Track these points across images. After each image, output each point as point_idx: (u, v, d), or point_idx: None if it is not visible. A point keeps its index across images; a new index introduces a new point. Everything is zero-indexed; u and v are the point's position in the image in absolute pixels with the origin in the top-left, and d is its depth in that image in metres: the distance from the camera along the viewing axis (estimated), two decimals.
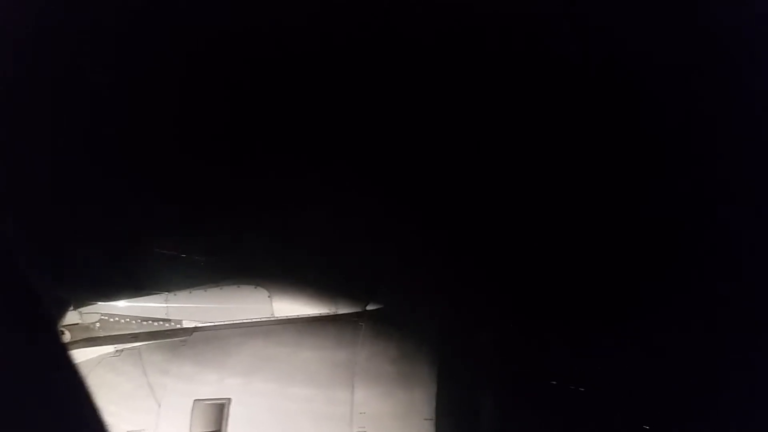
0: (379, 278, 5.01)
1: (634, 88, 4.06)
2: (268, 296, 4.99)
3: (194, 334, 5.11)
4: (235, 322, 5.05)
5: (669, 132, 4.16)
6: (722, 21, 3.69)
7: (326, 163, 4.76)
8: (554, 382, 4.59)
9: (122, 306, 5.30)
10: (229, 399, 4.71)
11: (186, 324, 5.19)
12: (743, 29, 3.69)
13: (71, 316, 5.30)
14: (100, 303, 5.32)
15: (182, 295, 5.16)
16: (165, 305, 5.18)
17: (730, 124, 4.00)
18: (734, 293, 4.15)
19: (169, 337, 5.17)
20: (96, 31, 3.78)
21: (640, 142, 4.26)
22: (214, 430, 4.71)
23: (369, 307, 4.89)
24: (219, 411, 4.71)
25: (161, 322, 5.22)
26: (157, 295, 5.19)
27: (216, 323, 5.10)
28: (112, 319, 5.32)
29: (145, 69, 4.18)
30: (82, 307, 5.33)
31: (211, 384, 4.80)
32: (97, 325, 5.36)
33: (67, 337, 5.34)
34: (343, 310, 4.90)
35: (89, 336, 5.36)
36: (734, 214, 4.16)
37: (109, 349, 5.27)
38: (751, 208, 4.07)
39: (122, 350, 5.23)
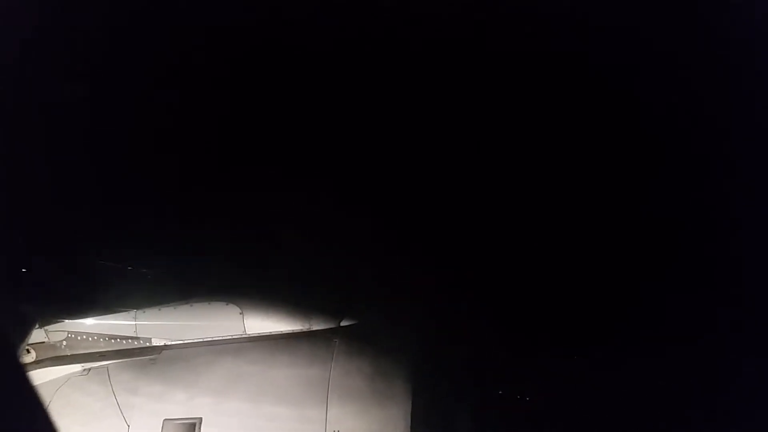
0: (354, 294, 4.96)
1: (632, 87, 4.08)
2: (240, 313, 4.90)
3: (163, 352, 5.00)
4: (205, 339, 4.95)
5: (667, 132, 4.18)
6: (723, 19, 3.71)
7: (300, 178, 4.72)
8: (529, 398, 4.59)
9: (90, 324, 5.18)
10: (200, 418, 4.60)
11: (155, 342, 5.07)
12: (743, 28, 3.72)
13: (37, 335, 5.15)
14: (66, 321, 5.18)
15: (151, 312, 5.05)
16: (133, 323, 5.06)
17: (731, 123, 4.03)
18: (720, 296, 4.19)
19: (137, 355, 5.05)
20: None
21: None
22: None
23: (343, 323, 4.83)
24: (190, 431, 4.60)
25: (130, 341, 5.11)
26: (126, 313, 5.08)
27: (186, 341, 5.00)
28: (79, 338, 5.19)
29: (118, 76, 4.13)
30: (49, 325, 5.19)
31: (181, 403, 4.69)
32: (64, 343, 5.22)
33: (32, 356, 5.19)
34: (317, 326, 4.84)
35: (56, 355, 5.22)
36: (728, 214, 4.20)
37: (77, 368, 5.14)
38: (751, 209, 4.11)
39: (90, 369, 5.10)
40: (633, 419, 4.35)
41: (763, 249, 4.14)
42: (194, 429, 4.58)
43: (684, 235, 4.43)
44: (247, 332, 4.89)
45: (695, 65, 3.96)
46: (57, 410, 4.87)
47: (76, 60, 3.99)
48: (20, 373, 2.46)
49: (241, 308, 4.91)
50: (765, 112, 3.96)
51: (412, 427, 4.33)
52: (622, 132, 4.30)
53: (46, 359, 5.21)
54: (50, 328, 5.22)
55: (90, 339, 5.18)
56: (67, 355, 5.22)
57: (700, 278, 4.41)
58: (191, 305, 5.00)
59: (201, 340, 4.96)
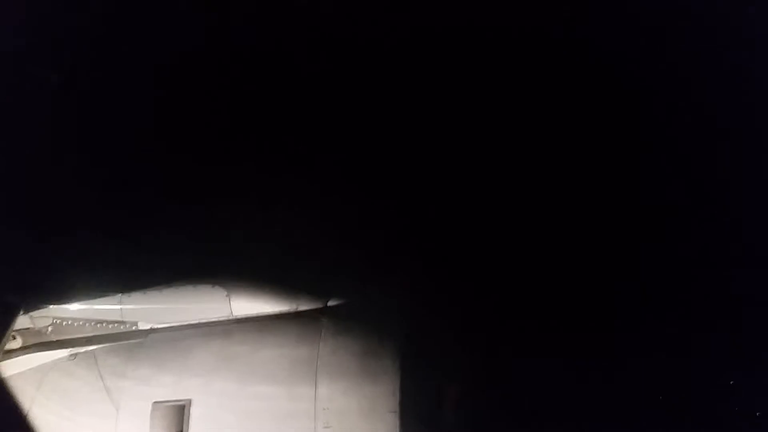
0: (341, 273, 4.97)
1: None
2: (226, 295, 4.89)
3: (150, 335, 4.98)
4: (192, 322, 4.94)
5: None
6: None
7: (288, 159, 4.70)
8: (520, 376, 4.64)
9: (75, 309, 5.14)
10: (189, 400, 4.61)
11: (142, 325, 5.05)
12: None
13: (22, 321, 5.11)
14: (52, 306, 5.14)
15: (137, 296, 5.02)
16: (119, 307, 5.03)
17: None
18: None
19: (124, 339, 5.03)
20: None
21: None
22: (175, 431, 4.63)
23: (330, 303, 4.84)
24: (179, 413, 4.62)
25: (116, 325, 5.08)
26: (111, 297, 5.04)
27: (173, 324, 4.98)
28: (65, 323, 5.15)
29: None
30: (34, 311, 5.14)
31: (170, 386, 4.70)
32: (50, 329, 5.18)
33: (18, 342, 5.16)
34: (304, 306, 4.84)
35: (42, 341, 5.18)
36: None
37: (63, 353, 5.11)
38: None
39: (77, 354, 5.07)
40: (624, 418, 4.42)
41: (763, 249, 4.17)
42: (183, 411, 4.60)
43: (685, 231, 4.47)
44: (234, 314, 4.89)
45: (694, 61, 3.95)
46: (45, 396, 4.86)
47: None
48: None
49: (227, 290, 4.90)
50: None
51: (400, 404, 4.36)
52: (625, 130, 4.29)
53: (33, 345, 5.17)
54: (35, 314, 5.16)
55: (76, 324, 5.15)
56: (54, 341, 5.19)
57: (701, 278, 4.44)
58: (177, 288, 4.98)
59: (188, 322, 4.95)
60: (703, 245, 4.38)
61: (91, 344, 5.08)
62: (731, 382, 4.26)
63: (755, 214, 4.16)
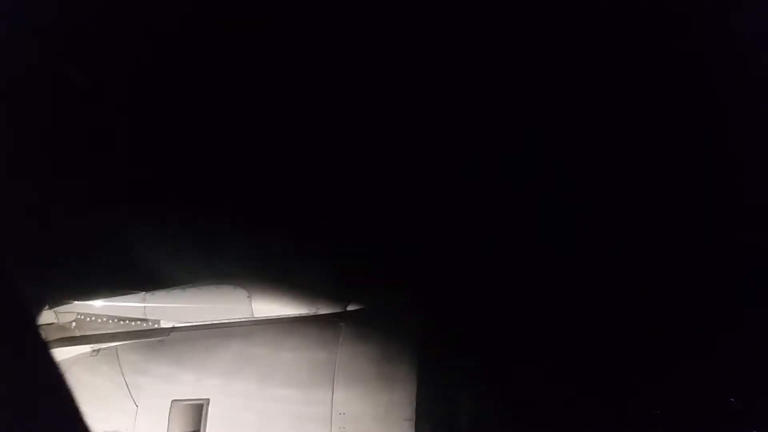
0: (361, 279, 4.99)
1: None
2: (248, 296, 4.95)
3: (172, 334, 5.06)
4: (213, 322, 5.00)
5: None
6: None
7: (306, 164, 4.73)
8: (534, 383, 4.62)
9: (99, 306, 5.23)
10: (207, 399, 4.67)
11: (164, 324, 5.13)
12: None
13: (47, 316, 5.20)
14: (76, 302, 5.23)
15: (160, 294, 5.10)
16: (142, 305, 5.11)
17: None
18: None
19: (146, 337, 5.11)
20: None
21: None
22: (192, 430, 4.67)
23: (350, 308, 4.87)
24: (197, 411, 4.67)
25: (139, 322, 5.16)
26: (135, 295, 5.13)
27: (194, 323, 5.05)
28: (88, 319, 5.24)
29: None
30: (58, 306, 5.24)
31: (189, 384, 4.76)
32: (74, 324, 5.27)
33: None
34: (324, 310, 4.88)
35: (65, 335, 5.27)
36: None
37: (86, 348, 5.20)
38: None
39: (99, 350, 5.16)
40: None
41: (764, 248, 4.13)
42: (202, 410, 4.64)
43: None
44: (255, 315, 4.94)
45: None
46: (69, 390, 4.93)
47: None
48: (45, 351, 2.52)
49: (248, 292, 4.96)
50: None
51: (416, 411, 4.37)
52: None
53: (56, 340, 5.26)
54: (60, 309, 5.27)
55: (99, 320, 5.24)
56: (77, 336, 5.28)
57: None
58: (200, 288, 5.05)
59: (209, 322, 5.02)
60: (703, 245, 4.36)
61: (113, 341, 5.17)
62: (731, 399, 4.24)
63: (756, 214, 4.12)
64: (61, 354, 5.19)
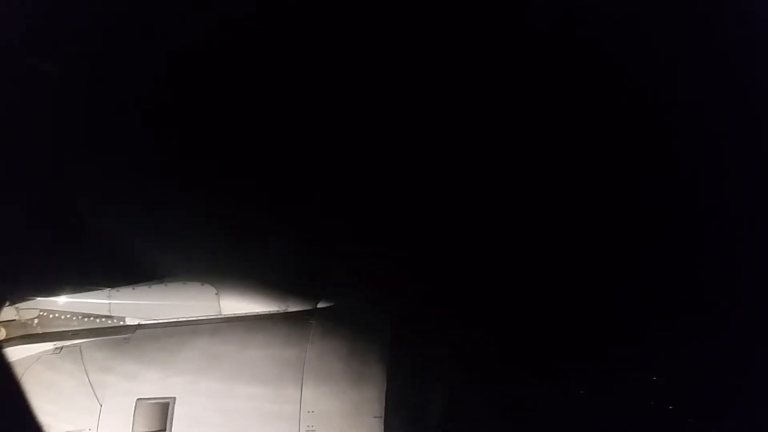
0: (331, 276, 4.97)
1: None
2: (216, 293, 4.88)
3: (137, 331, 4.96)
4: (180, 319, 4.92)
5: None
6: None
7: (278, 160, 4.69)
8: (506, 380, 4.65)
9: (62, 302, 5.12)
10: (173, 398, 4.59)
11: (129, 321, 5.03)
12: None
13: (8, 313, 5.07)
14: (38, 299, 5.11)
15: (125, 291, 5.00)
16: (107, 302, 5.01)
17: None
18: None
19: (111, 334, 5.00)
20: None
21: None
22: (157, 429, 4.60)
23: (320, 305, 4.84)
24: (163, 410, 4.59)
25: (103, 319, 5.06)
26: (99, 291, 5.02)
27: (161, 321, 4.97)
28: (51, 316, 5.13)
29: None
30: (20, 303, 5.11)
31: (154, 383, 4.68)
32: (36, 321, 5.15)
33: (3, 334, 5.11)
34: (294, 307, 4.84)
35: (27, 333, 5.15)
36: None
37: (48, 346, 5.07)
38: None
39: (62, 347, 5.04)
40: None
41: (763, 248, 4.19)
42: (167, 408, 4.57)
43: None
44: (223, 313, 4.88)
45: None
46: (28, 388, 4.81)
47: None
48: None
49: (216, 288, 4.89)
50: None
51: (385, 408, 4.36)
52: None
53: (17, 337, 5.14)
54: (22, 305, 5.15)
55: (63, 317, 5.12)
56: (39, 334, 5.16)
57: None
58: (166, 285, 4.96)
59: (176, 320, 4.94)
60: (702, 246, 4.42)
61: (77, 338, 5.05)
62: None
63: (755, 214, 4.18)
64: (22, 352, 5.07)
